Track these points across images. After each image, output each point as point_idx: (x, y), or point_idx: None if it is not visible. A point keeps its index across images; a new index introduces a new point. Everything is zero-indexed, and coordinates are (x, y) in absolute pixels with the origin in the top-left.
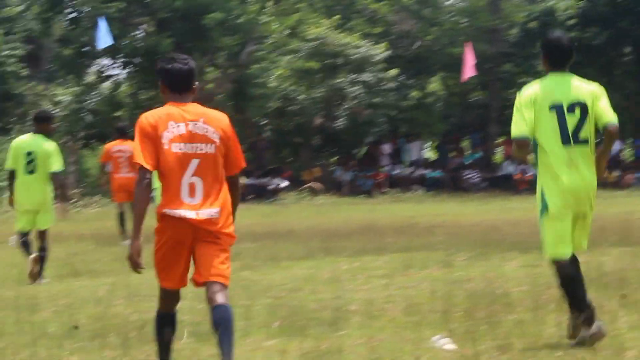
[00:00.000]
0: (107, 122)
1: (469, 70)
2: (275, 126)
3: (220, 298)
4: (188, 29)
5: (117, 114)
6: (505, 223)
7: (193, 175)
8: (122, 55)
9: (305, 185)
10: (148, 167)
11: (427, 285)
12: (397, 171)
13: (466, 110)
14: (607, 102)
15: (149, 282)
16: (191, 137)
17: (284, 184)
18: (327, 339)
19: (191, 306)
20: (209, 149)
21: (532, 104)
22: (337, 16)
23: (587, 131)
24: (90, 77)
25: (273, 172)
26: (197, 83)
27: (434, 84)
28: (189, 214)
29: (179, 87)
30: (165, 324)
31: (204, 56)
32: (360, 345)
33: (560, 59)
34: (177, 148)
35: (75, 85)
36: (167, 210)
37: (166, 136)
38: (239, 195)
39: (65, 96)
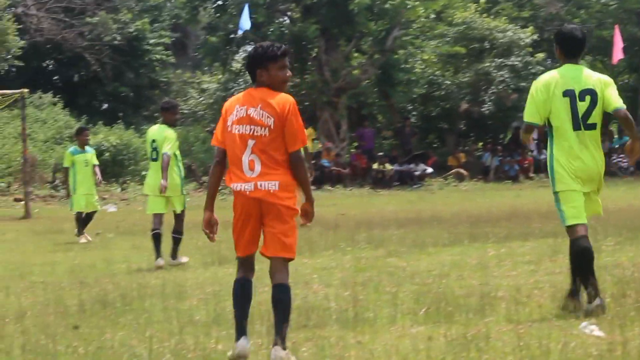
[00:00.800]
0: None
1: (618, 52)
2: (420, 112)
3: (279, 277)
4: (334, 15)
5: None
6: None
7: (252, 153)
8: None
9: (450, 171)
10: (215, 143)
11: None
12: (543, 156)
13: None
14: (615, 90)
15: (294, 270)
16: (249, 120)
17: (430, 170)
18: (474, 326)
19: (337, 293)
20: (263, 131)
21: (547, 90)
22: (484, 0)
23: (596, 117)
24: (236, 65)
25: (418, 158)
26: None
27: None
28: (249, 187)
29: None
30: (242, 289)
31: (350, 42)
32: (508, 331)
33: (573, 50)
34: (236, 129)
35: (221, 73)
36: (233, 185)
37: (230, 119)
38: (304, 170)
39: (211, 84)
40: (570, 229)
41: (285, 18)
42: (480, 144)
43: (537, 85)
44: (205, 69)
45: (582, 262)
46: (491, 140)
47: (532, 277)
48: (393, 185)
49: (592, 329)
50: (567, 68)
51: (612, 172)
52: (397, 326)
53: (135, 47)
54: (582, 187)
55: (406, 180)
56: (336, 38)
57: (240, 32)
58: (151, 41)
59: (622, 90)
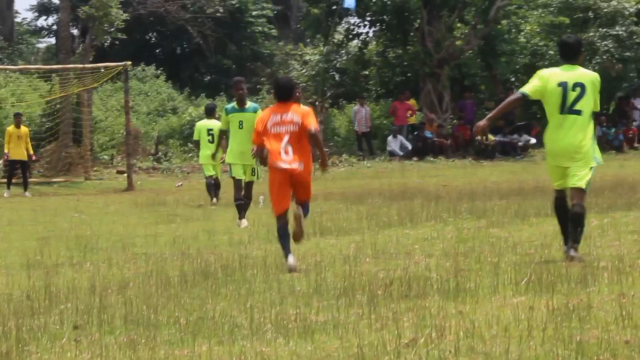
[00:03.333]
0: (355, 81)
1: None
2: (524, 82)
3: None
4: None
5: (365, 72)
6: None
7: (287, 143)
8: (370, 13)
9: None
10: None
11: None
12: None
13: None
14: (596, 91)
15: (395, 240)
16: (282, 122)
17: (533, 140)
18: (576, 296)
19: (438, 264)
20: (294, 128)
21: (543, 79)
22: None
23: (582, 105)
24: (338, 36)
25: (522, 129)
26: (297, 93)
27: None
28: (285, 165)
29: (282, 96)
30: (284, 231)
31: (453, 12)
32: (610, 301)
33: (568, 54)
34: (274, 129)
35: (323, 45)
36: (273, 163)
37: (269, 123)
38: (320, 144)
39: (314, 55)
40: (555, 190)
41: None
42: None
43: (538, 73)
44: (308, 40)
45: (558, 213)
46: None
47: (635, 247)
48: (496, 156)
49: None
50: (564, 67)
51: None
52: (499, 296)
53: (238, 20)
54: (556, 161)
55: (509, 151)
56: (439, 8)
57: (345, 6)
58: (253, 13)
59: None
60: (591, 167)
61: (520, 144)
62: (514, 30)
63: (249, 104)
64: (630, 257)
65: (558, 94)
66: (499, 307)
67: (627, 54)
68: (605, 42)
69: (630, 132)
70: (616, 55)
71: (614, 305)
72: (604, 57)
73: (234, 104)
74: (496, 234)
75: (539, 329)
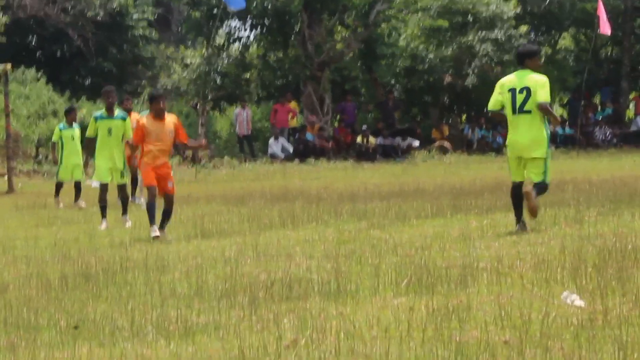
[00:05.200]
0: (237, 84)
1: (605, 24)
2: (404, 85)
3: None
4: None
5: (246, 75)
6: (637, 179)
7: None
8: (251, 16)
9: (434, 144)
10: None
11: (557, 242)
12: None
13: (597, 66)
14: (544, 89)
15: (277, 242)
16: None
17: (415, 142)
18: (455, 297)
19: (319, 265)
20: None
21: (499, 88)
22: None
23: (530, 105)
24: (219, 40)
25: (402, 132)
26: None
27: (565, 40)
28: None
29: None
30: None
31: (333, 16)
32: (489, 302)
33: (518, 60)
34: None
35: (205, 48)
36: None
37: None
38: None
39: (195, 58)
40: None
41: None
42: (464, 116)
43: (498, 84)
44: (189, 44)
45: (514, 200)
46: (475, 113)
47: (514, 248)
48: (377, 158)
49: (573, 298)
50: (516, 72)
51: (594, 144)
52: (379, 298)
53: (119, 23)
54: (514, 155)
55: (390, 153)
56: (319, 12)
57: (232, 9)
58: (134, 16)
59: (605, 63)
60: (545, 159)
61: (400, 146)
62: (394, 33)
63: (117, 112)
64: (509, 258)
65: (509, 98)
66: (380, 308)
67: (506, 57)
68: (484, 46)
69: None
70: (495, 59)
71: (493, 306)
72: (483, 60)
73: (102, 111)
74: (377, 235)
75: (419, 329)
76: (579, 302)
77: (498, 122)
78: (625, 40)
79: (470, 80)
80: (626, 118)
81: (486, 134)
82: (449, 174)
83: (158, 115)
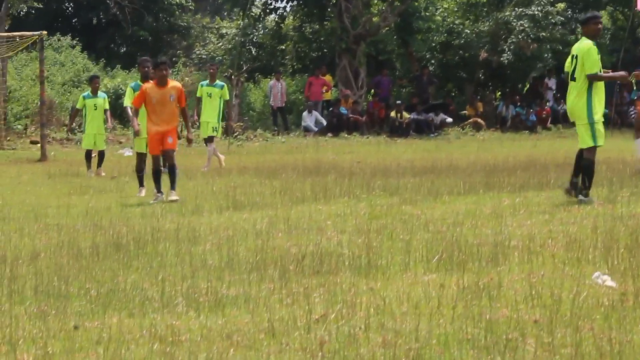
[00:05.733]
0: (272, 55)
1: None
2: (439, 60)
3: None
4: None
5: (281, 47)
6: None
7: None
8: None
9: (468, 120)
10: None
11: (590, 221)
12: (561, 107)
13: (634, 44)
14: (591, 58)
15: (308, 216)
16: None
17: (448, 119)
18: (486, 274)
19: (350, 240)
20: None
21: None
22: None
23: (577, 73)
24: (255, 10)
25: (437, 107)
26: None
27: (602, 18)
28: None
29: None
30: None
31: None
32: (520, 280)
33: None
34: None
35: (241, 18)
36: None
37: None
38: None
39: (230, 29)
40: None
41: None
42: (499, 93)
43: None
44: (225, 14)
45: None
46: (510, 90)
47: (546, 227)
48: (410, 134)
49: (604, 279)
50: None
51: (629, 123)
52: (410, 273)
53: None
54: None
55: (424, 129)
56: None
57: None
58: None
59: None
60: (590, 124)
61: (434, 122)
62: (430, 7)
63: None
64: (541, 237)
65: (569, 63)
66: (410, 284)
67: (542, 34)
68: (521, 22)
69: (544, 112)
70: (531, 35)
71: (523, 285)
72: (520, 36)
73: (137, 81)
74: (409, 211)
75: (449, 306)
76: (610, 283)
77: (532, 100)
78: None
79: (506, 57)
80: None
81: (521, 112)
82: (482, 150)
83: (161, 82)
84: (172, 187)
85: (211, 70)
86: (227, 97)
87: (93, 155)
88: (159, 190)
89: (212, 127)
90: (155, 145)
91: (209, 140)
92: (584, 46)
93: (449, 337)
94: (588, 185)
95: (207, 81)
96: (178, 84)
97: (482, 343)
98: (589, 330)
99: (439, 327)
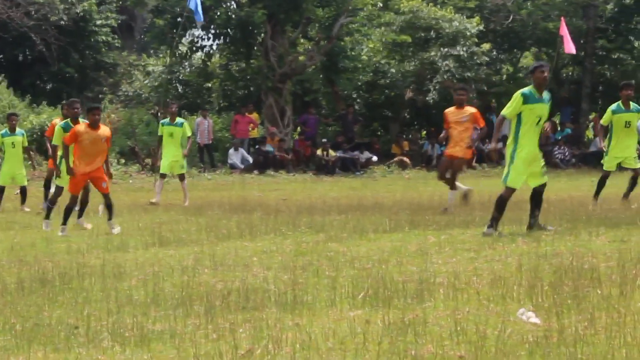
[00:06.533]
0: (198, 93)
1: (569, 44)
2: (365, 99)
3: None
4: (281, 1)
5: (208, 85)
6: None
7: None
8: (214, 26)
9: (394, 159)
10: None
11: (514, 259)
12: (486, 146)
13: (558, 85)
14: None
15: (234, 252)
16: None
17: (374, 157)
18: (412, 311)
19: (276, 276)
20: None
21: None
22: None
23: None
24: (182, 48)
25: (362, 146)
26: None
27: (527, 59)
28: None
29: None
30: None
31: (296, 28)
32: (445, 317)
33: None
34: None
35: (168, 56)
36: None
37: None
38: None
39: (157, 67)
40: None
41: (233, 2)
42: (424, 132)
43: None
44: (151, 51)
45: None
46: (435, 129)
47: (472, 264)
48: (336, 172)
49: (529, 315)
50: None
51: (553, 163)
52: (336, 310)
53: (82, 28)
54: None
55: (349, 167)
56: (283, 23)
57: (198, 22)
58: (97, 22)
59: (567, 82)
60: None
61: (359, 160)
62: (356, 47)
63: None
64: (466, 274)
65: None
66: (336, 320)
67: (468, 74)
68: (446, 62)
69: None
70: (457, 75)
71: (449, 321)
72: (445, 76)
73: (67, 121)
74: (334, 248)
75: (375, 342)
76: (534, 320)
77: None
78: (586, 61)
79: (432, 96)
80: (585, 138)
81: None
82: (408, 189)
83: (94, 125)
84: (110, 218)
85: (172, 109)
86: (189, 134)
87: (16, 192)
88: (64, 224)
89: (180, 165)
90: (79, 185)
91: (181, 178)
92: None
93: None
94: (493, 219)
95: (168, 120)
96: (108, 130)
97: None
98: None
99: None
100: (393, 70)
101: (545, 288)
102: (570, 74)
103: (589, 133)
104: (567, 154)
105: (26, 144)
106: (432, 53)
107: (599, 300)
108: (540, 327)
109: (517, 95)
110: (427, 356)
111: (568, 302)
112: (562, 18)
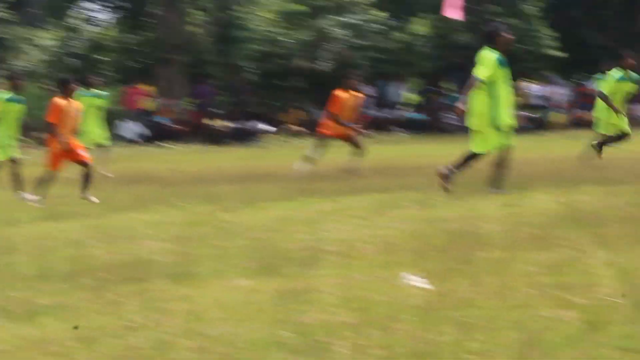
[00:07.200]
0: (91, 66)
1: (452, 8)
2: (259, 69)
3: None
4: None
5: (100, 57)
6: (483, 163)
7: None
8: None
9: (287, 128)
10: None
11: (404, 225)
12: (379, 113)
13: (451, 52)
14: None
15: (125, 224)
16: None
17: (267, 127)
18: (302, 279)
19: (167, 248)
20: None
21: None
22: None
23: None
24: (74, 21)
25: (255, 115)
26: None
27: (419, 26)
28: None
29: None
30: None
31: None
32: (335, 284)
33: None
34: None
35: (60, 30)
36: None
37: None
38: None
39: (49, 40)
40: None
41: None
42: (318, 101)
43: None
44: (43, 25)
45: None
46: (328, 97)
47: (362, 231)
48: (229, 142)
49: (416, 280)
50: None
51: (444, 129)
52: (226, 280)
53: None
54: None
55: (243, 137)
56: None
57: None
58: None
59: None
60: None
61: (253, 130)
62: (249, 17)
63: None
64: (356, 241)
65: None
66: (226, 290)
67: (362, 42)
68: (340, 30)
69: (364, 119)
70: (350, 43)
71: (337, 288)
72: (339, 45)
73: None
74: (226, 218)
75: (265, 311)
76: (421, 284)
77: None
78: (476, 27)
79: (325, 65)
80: None
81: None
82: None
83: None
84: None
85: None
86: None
87: None
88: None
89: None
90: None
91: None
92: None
93: (264, 341)
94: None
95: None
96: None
97: (296, 346)
98: (399, 330)
99: (255, 331)
100: (286, 39)
101: (434, 253)
102: (462, 40)
103: None
104: (456, 119)
105: None
106: (326, 21)
107: (488, 264)
108: (428, 292)
109: (491, 59)
110: (316, 323)
111: (456, 267)
112: None
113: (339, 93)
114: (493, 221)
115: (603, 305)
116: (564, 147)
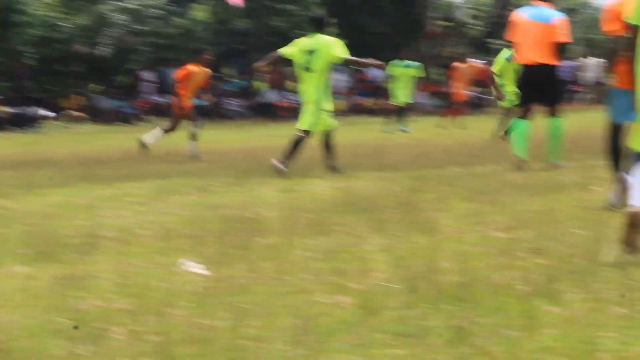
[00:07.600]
0: None
1: None
2: (38, 54)
3: None
4: None
5: None
6: (264, 149)
7: None
8: None
9: (67, 114)
10: None
11: (183, 211)
12: (160, 99)
13: (230, 37)
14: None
15: None
16: None
17: (47, 112)
18: (80, 265)
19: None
20: None
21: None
22: None
23: (316, 65)
24: None
25: (35, 101)
26: None
27: (199, 12)
28: None
29: None
30: None
31: None
32: (113, 271)
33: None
34: None
35: None
36: None
37: None
38: None
39: None
40: None
41: None
42: (98, 86)
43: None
44: None
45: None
46: (108, 83)
47: (140, 217)
48: (8, 127)
49: (192, 266)
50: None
51: (225, 115)
52: (2, 267)
53: None
54: None
55: (22, 122)
56: None
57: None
58: None
59: (238, 35)
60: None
61: (32, 116)
62: (28, 1)
63: None
64: (134, 227)
65: (299, 57)
66: (1, 277)
67: (141, 27)
68: (120, 15)
69: (143, 104)
70: (130, 29)
71: (115, 275)
72: (118, 29)
73: None
74: (4, 204)
75: (41, 298)
76: (198, 270)
77: (132, 93)
78: (256, 12)
79: (105, 50)
80: (256, 89)
81: (120, 104)
82: (81, 144)
83: None
84: None
85: None
86: None
87: None
88: None
89: None
90: None
91: None
92: (328, 41)
93: (40, 328)
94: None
95: None
96: None
97: (72, 333)
98: (177, 317)
99: (30, 319)
100: (66, 24)
101: (212, 239)
102: (242, 26)
103: (259, 84)
104: (238, 105)
105: None
106: (105, 6)
107: (265, 250)
108: (205, 278)
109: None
110: (92, 310)
111: (234, 253)
112: None
113: (191, 67)
114: (271, 207)
115: (378, 290)
116: (341, 133)
